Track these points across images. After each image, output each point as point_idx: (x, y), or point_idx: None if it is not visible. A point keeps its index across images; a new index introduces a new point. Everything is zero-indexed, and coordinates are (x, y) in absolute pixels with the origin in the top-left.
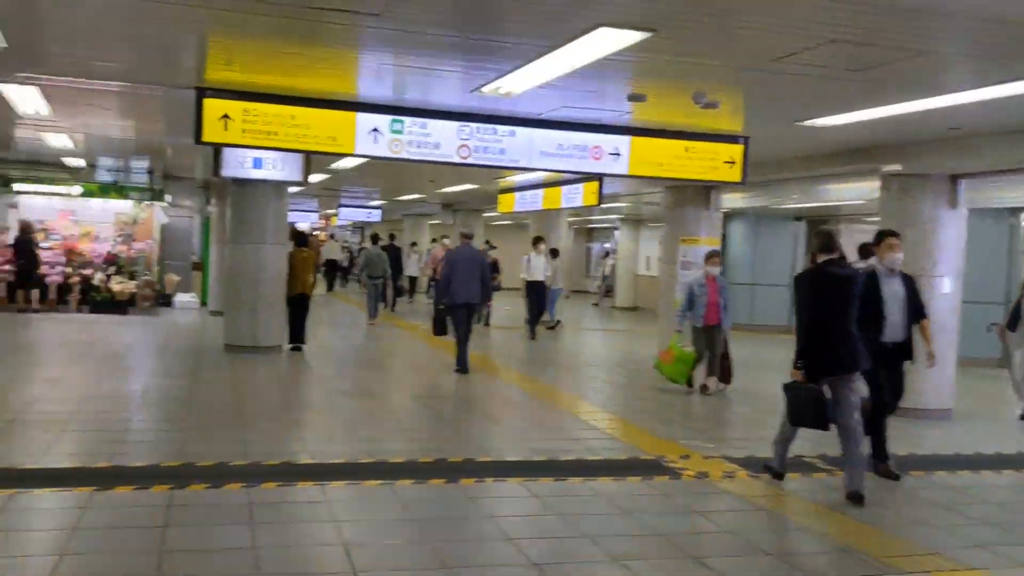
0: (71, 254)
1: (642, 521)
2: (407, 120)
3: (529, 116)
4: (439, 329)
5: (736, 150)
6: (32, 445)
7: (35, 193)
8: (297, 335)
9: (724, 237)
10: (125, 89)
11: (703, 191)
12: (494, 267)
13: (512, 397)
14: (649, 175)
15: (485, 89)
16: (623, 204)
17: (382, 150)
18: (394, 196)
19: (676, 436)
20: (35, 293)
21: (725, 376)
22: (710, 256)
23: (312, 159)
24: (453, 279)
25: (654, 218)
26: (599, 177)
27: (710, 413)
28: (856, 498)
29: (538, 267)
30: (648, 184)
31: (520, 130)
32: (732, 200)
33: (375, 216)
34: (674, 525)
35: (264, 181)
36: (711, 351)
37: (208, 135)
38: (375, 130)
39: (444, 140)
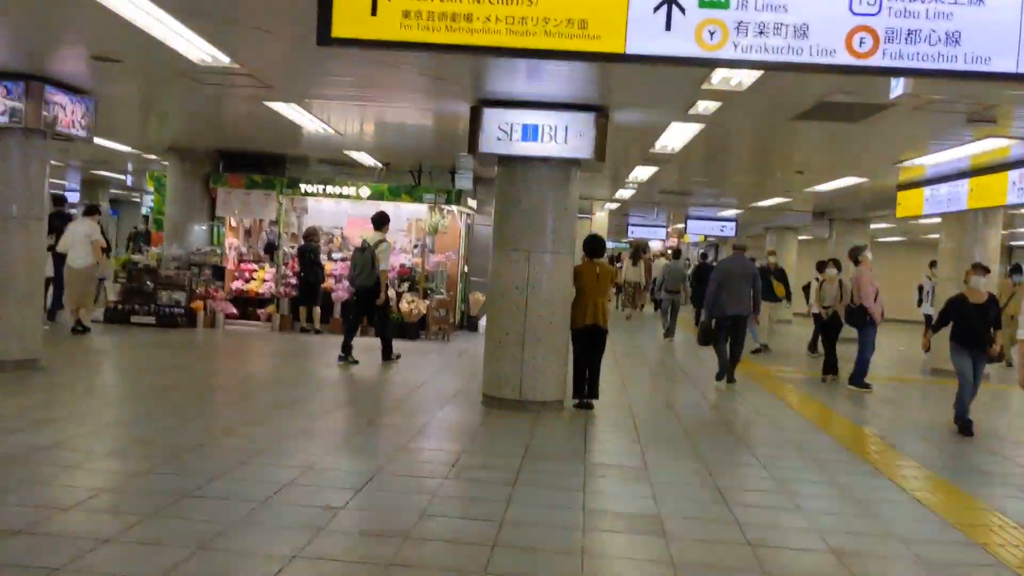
0: None
1: None
2: None
3: None
4: (704, 339)
5: None
6: None
7: (321, 195)
8: (586, 386)
9: None
10: None
11: None
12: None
13: (917, 530)
14: None
15: None
16: None
17: (683, 44)
18: (751, 202)
19: None
20: (316, 311)
21: None
22: None
23: (618, 137)
24: (723, 290)
25: None
26: None
27: None
28: None
29: None
30: None
31: None
32: None
33: (728, 230)
34: None
35: (539, 160)
36: None
37: (341, 26)
38: (669, 2)
39: (818, 20)
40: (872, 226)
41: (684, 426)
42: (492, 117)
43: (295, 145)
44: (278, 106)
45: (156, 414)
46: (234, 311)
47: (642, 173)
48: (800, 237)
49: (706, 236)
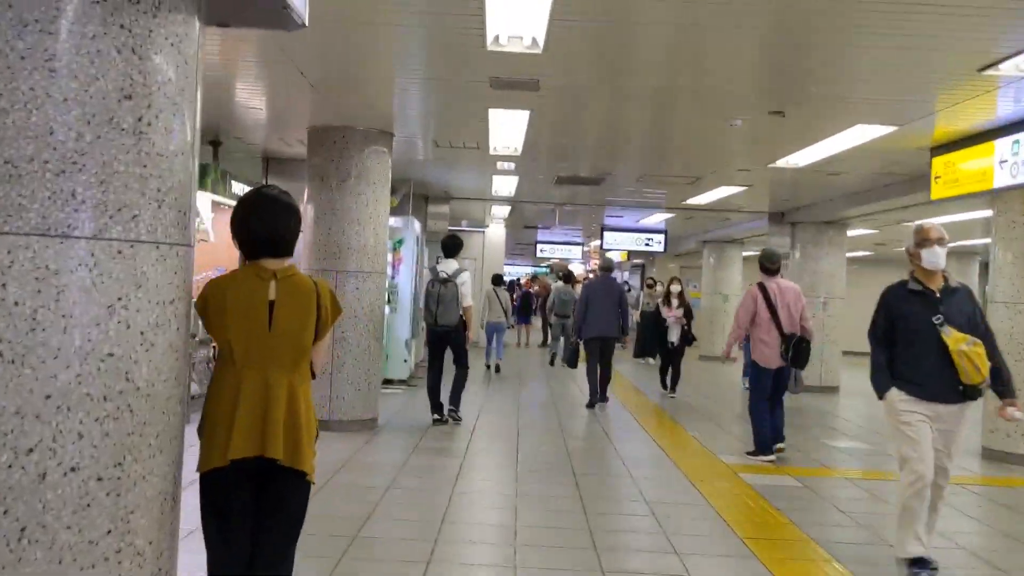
0: None
1: None
2: None
3: None
4: (573, 362)
5: None
6: None
7: None
8: None
9: None
10: None
11: None
12: None
13: None
14: None
15: None
16: None
17: None
18: (687, 196)
19: None
20: None
21: None
22: None
23: None
24: (588, 312)
25: None
26: None
27: None
28: None
29: None
30: None
31: None
32: None
33: (656, 244)
34: None
35: None
36: None
37: None
38: None
39: None
40: (853, 232)
41: None
42: None
43: None
44: None
45: None
46: None
47: (508, 127)
48: (745, 253)
49: (629, 253)
